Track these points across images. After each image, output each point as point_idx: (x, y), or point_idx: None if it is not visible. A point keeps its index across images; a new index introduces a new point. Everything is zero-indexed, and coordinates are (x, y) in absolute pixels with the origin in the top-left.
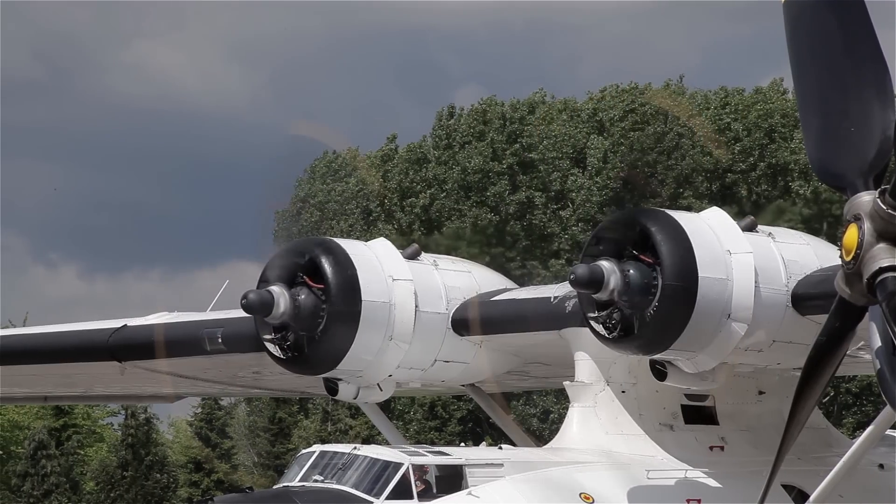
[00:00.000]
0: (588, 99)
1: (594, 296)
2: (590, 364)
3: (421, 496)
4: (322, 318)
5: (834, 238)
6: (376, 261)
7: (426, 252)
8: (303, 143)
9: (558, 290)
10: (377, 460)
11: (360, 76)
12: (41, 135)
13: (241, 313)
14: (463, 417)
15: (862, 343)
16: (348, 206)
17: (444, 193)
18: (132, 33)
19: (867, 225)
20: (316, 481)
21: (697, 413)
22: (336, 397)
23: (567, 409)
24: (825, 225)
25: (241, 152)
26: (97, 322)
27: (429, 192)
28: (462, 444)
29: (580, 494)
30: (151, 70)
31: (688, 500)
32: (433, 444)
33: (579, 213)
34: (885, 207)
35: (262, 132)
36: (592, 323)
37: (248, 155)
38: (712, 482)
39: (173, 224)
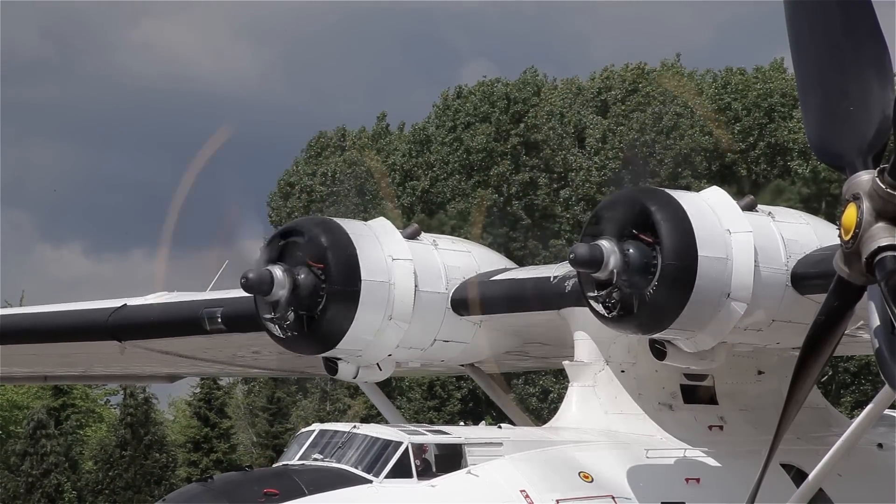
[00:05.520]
0: (591, 79)
1: (594, 275)
2: (589, 344)
3: (420, 475)
4: (322, 297)
5: (833, 217)
6: (376, 240)
7: (430, 232)
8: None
9: (558, 269)
10: (377, 439)
11: (369, 53)
12: (50, 113)
13: (241, 293)
14: (463, 397)
15: (861, 322)
16: (339, 188)
17: (446, 175)
18: (140, 12)
19: (866, 204)
20: (315, 460)
21: (696, 393)
22: (335, 377)
23: (566, 388)
24: (824, 204)
25: (251, 131)
26: (97, 301)
27: (429, 175)
28: (462, 423)
29: (579, 473)
30: (160, 49)
31: (687, 480)
32: (432, 423)
33: (579, 192)
34: (883, 186)
35: (273, 110)
36: (592, 302)
37: (259, 133)
38: (711, 461)
39: (182, 203)
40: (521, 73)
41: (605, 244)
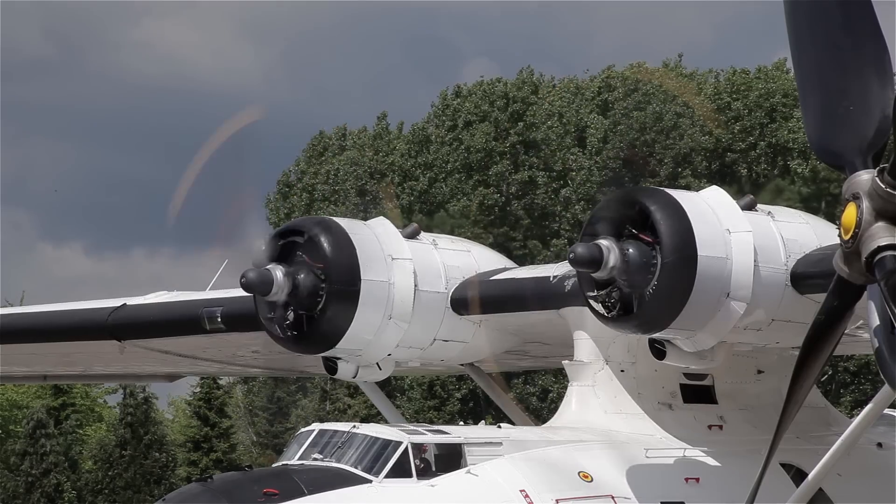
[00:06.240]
0: (591, 79)
1: (593, 275)
2: (589, 343)
3: (420, 475)
4: (321, 297)
5: (832, 217)
6: (375, 240)
7: (430, 231)
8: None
9: (558, 269)
10: (376, 439)
11: (370, 53)
12: (51, 113)
13: (241, 292)
14: (463, 397)
15: (860, 322)
16: (341, 187)
17: (445, 175)
18: (142, 11)
19: (866, 203)
20: (315, 460)
21: (696, 392)
22: (335, 376)
23: (566, 388)
24: (823, 204)
25: (253, 130)
26: (96, 301)
27: (427, 175)
28: (461, 423)
29: (579, 473)
30: (162, 48)
31: (686, 479)
32: (432, 423)
33: (579, 192)
34: (883, 186)
35: (275, 110)
36: (592, 302)
37: (261, 133)
38: (711, 461)
39: (184, 203)
40: (518, 73)
41: (604, 244)
